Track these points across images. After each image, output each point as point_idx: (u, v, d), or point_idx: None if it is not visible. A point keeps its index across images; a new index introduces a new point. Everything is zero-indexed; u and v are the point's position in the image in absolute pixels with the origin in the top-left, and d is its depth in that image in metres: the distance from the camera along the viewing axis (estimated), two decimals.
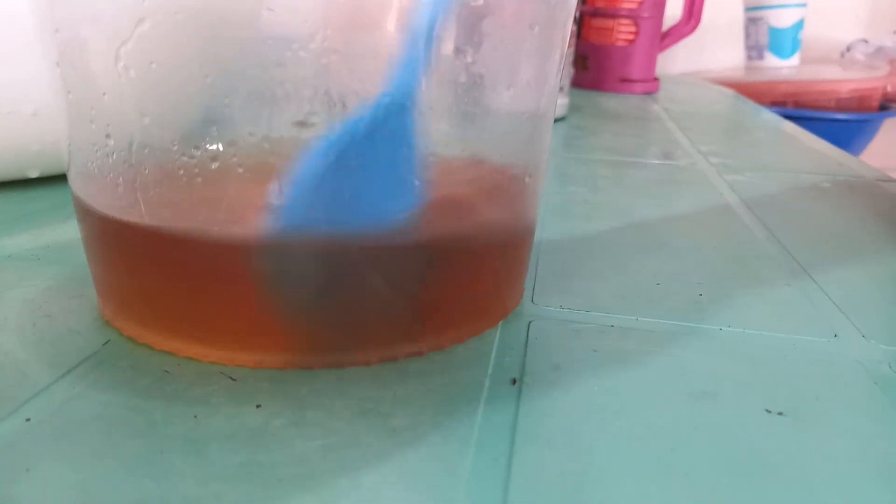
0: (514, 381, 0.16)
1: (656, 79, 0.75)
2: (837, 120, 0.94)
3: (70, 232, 0.25)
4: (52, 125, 0.28)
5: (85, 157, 0.16)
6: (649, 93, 0.74)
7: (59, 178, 0.31)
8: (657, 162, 0.43)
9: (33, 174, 0.30)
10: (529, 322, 0.19)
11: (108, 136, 0.15)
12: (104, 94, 0.14)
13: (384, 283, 0.16)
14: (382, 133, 0.15)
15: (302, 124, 0.14)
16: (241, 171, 0.14)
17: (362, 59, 0.14)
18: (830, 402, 0.16)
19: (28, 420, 0.14)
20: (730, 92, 0.84)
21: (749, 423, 0.15)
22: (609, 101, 0.69)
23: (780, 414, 0.16)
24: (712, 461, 0.14)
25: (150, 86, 0.14)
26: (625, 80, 0.73)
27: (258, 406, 0.15)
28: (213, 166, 0.14)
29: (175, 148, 0.14)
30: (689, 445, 0.15)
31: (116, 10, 0.13)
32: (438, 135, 0.16)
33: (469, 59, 0.16)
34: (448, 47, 0.15)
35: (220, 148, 0.14)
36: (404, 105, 0.15)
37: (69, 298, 0.20)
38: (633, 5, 0.72)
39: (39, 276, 0.21)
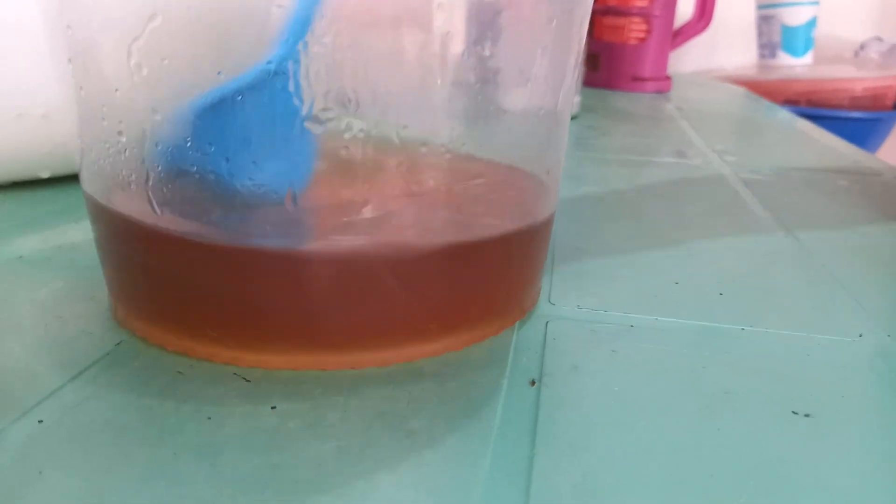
0: (532, 383, 0.16)
1: (668, 77, 0.75)
2: (851, 118, 0.93)
3: (81, 233, 0.25)
4: (63, 127, 0.28)
5: (97, 154, 0.16)
6: (661, 91, 0.73)
7: (69, 180, 0.31)
8: (671, 161, 0.42)
9: (44, 175, 0.30)
10: (547, 322, 0.19)
11: (120, 132, 0.15)
12: (116, 90, 0.14)
13: (400, 283, 0.16)
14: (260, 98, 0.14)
15: (316, 120, 0.14)
16: (254, 166, 0.14)
17: (376, 54, 0.14)
18: (856, 403, 0.16)
19: (41, 422, 0.14)
20: (742, 90, 0.84)
21: (773, 425, 0.15)
22: (621, 100, 0.68)
23: (806, 416, 0.15)
24: (736, 464, 0.14)
25: (162, 82, 0.14)
26: (636, 79, 0.72)
27: (273, 408, 0.15)
28: (229, 176, 0.14)
29: (188, 145, 0.14)
30: (713, 447, 0.14)
31: (128, 6, 0.13)
32: (454, 132, 0.16)
33: (486, 54, 0.15)
34: (462, 41, 0.15)
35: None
36: (282, 71, 0.14)
37: (81, 300, 0.20)
38: (644, 3, 0.71)
39: (51, 277, 0.21)
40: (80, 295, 0.20)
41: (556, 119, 0.18)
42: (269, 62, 0.13)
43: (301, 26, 0.13)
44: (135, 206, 0.15)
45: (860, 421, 0.15)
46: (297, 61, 0.13)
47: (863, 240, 0.28)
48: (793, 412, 0.15)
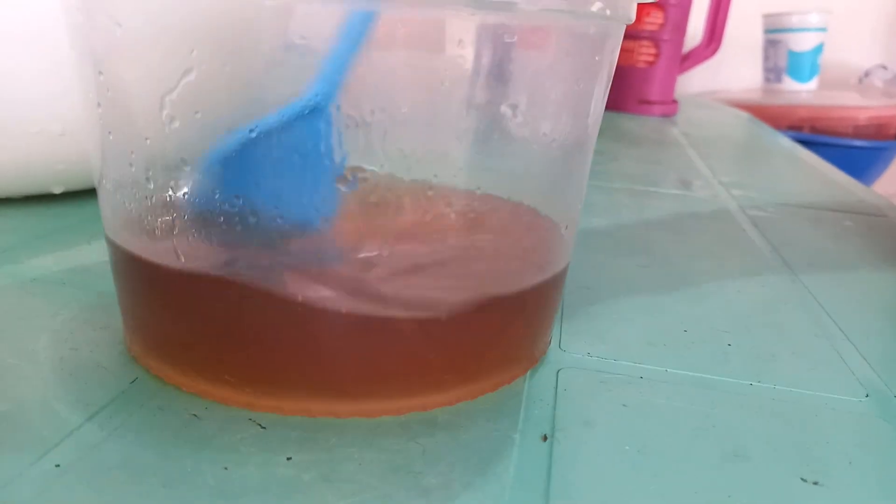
0: (545, 438, 0.16)
1: (675, 101, 0.75)
2: (854, 147, 0.93)
3: (95, 254, 0.25)
4: (79, 144, 0.28)
5: (122, 197, 0.16)
6: (668, 115, 0.74)
7: (82, 194, 0.31)
8: (679, 192, 0.43)
9: (58, 190, 0.30)
10: (558, 371, 0.19)
11: (147, 179, 0.15)
12: (146, 139, 0.14)
13: (419, 335, 0.16)
14: (293, 138, 0.14)
15: (343, 181, 0.14)
16: (279, 221, 0.14)
17: (405, 116, 0.14)
18: (864, 468, 0.16)
19: (58, 466, 0.14)
20: (746, 116, 0.84)
21: (783, 491, 0.15)
22: (628, 123, 0.68)
23: (814, 483, 0.15)
24: None
25: (193, 134, 0.14)
26: (643, 102, 0.72)
27: (289, 458, 0.15)
28: (254, 216, 0.14)
29: (216, 196, 0.14)
30: None
31: (163, 60, 0.13)
32: (472, 181, 0.16)
33: (511, 113, 0.15)
34: (487, 97, 0.15)
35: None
36: (319, 110, 0.14)
37: (95, 329, 0.20)
38: (654, 27, 0.71)
39: (65, 303, 0.21)
40: (94, 323, 0.20)
41: (578, 168, 0.18)
42: (303, 104, 0.13)
43: (338, 69, 0.13)
44: (158, 251, 0.15)
45: (868, 491, 0.15)
46: (335, 105, 0.13)
47: (869, 288, 0.28)
48: (801, 479, 0.16)
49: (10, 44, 0.26)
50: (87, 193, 0.31)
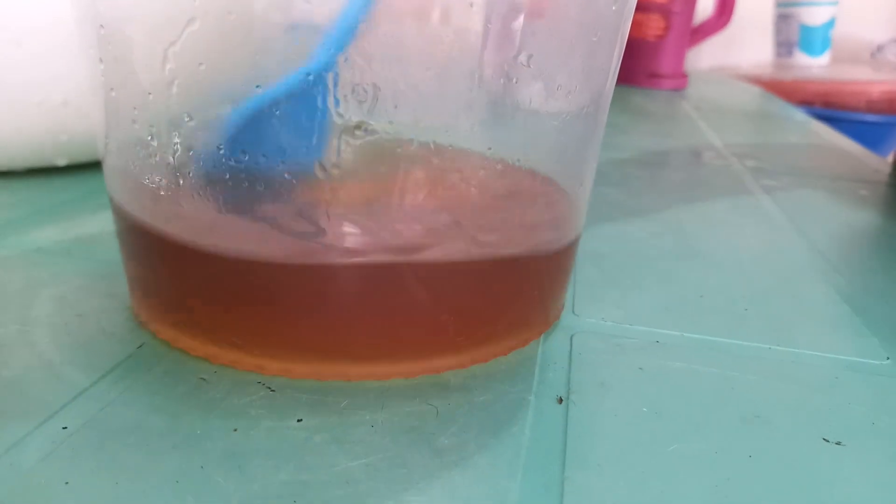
0: (560, 400, 0.16)
1: (685, 75, 0.74)
2: (867, 122, 0.92)
3: (100, 224, 0.25)
4: (82, 115, 0.27)
5: (125, 158, 0.15)
6: (678, 89, 0.73)
7: (87, 167, 0.31)
8: (691, 163, 0.42)
9: (61, 162, 0.30)
10: (572, 335, 0.19)
11: (151, 137, 0.14)
12: (149, 93, 0.14)
13: (429, 296, 0.16)
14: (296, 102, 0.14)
15: (351, 131, 0.13)
16: (287, 177, 0.14)
17: (414, 64, 0.14)
18: (888, 429, 0.16)
19: (65, 428, 0.14)
20: (758, 90, 0.83)
21: (806, 453, 0.15)
22: (637, 97, 0.68)
23: (837, 443, 0.15)
24: (770, 493, 0.13)
25: (197, 88, 0.13)
26: (653, 76, 0.71)
27: (299, 420, 0.14)
28: (260, 174, 0.14)
29: (221, 152, 0.14)
30: (745, 475, 0.14)
31: (166, 10, 0.13)
32: (487, 143, 0.15)
33: (525, 63, 0.15)
34: (499, 48, 0.15)
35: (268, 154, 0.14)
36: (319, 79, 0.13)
37: (101, 297, 0.19)
38: (664, 0, 0.70)
39: (70, 271, 0.21)
40: (100, 291, 0.20)
41: (593, 128, 0.18)
42: (308, 72, 0.13)
43: (344, 37, 0.13)
44: (164, 211, 0.15)
45: (893, 451, 0.15)
46: (336, 72, 0.13)
47: (885, 255, 0.28)
48: (824, 439, 0.15)
49: (10, 12, 0.25)
50: (92, 167, 0.31)
